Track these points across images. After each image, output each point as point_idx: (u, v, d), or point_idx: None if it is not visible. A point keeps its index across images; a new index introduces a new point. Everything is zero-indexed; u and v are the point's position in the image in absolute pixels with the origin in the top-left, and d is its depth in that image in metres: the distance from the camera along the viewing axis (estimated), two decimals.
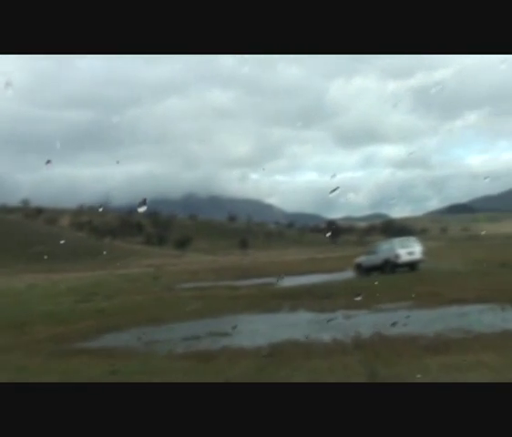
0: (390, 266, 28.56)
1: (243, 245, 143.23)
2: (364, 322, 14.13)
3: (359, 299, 17.61)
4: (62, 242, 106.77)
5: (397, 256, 28.88)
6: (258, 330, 14.28)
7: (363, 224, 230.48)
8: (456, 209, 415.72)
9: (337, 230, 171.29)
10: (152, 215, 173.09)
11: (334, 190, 5.07)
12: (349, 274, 32.72)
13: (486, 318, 13.12)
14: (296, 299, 20.56)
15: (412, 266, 29.02)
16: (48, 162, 4.66)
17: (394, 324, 11.87)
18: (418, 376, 7.38)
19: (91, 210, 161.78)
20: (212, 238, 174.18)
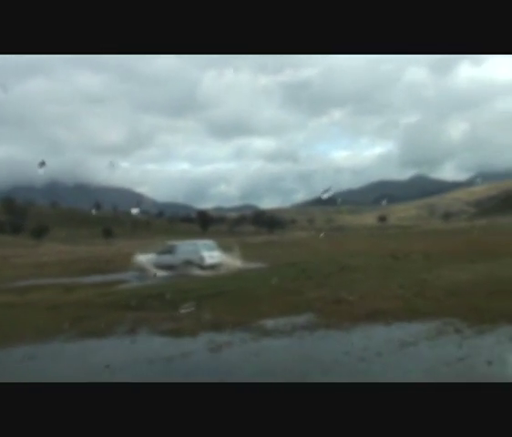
0: (192, 268, 27.16)
1: (107, 234, 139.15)
2: (245, 361, 8.33)
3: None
4: None
5: (202, 258, 27.84)
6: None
7: (233, 214, 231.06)
8: (322, 202, 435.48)
9: (207, 220, 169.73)
10: (6, 201, 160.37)
11: (327, 191, 6.00)
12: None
13: (449, 355, 7.81)
14: (142, 308, 14.23)
15: (204, 268, 27.66)
16: (42, 164, 4.60)
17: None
18: None
19: None
20: (75, 227, 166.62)
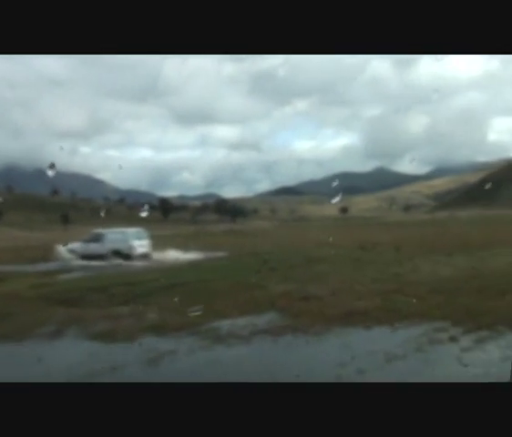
0: (122, 257, 25.72)
1: (65, 220, 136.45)
2: (190, 377, 6.49)
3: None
4: None
5: (131, 247, 26.32)
6: None
7: (196, 203, 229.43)
8: (285, 192, 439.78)
9: (169, 208, 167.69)
10: None
11: (336, 197, 6.88)
12: (172, 255, 26.08)
13: (450, 375, 6.08)
14: (78, 303, 12.18)
15: (134, 258, 26.33)
16: (52, 167, 4.54)
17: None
18: None
19: None
20: (32, 213, 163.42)
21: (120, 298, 12.74)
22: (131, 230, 28.34)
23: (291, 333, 8.36)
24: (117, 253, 25.78)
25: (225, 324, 9.16)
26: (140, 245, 26.53)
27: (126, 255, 25.58)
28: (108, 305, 11.98)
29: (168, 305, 11.03)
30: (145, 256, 26.03)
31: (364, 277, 13.66)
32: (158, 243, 29.75)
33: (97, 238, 27.18)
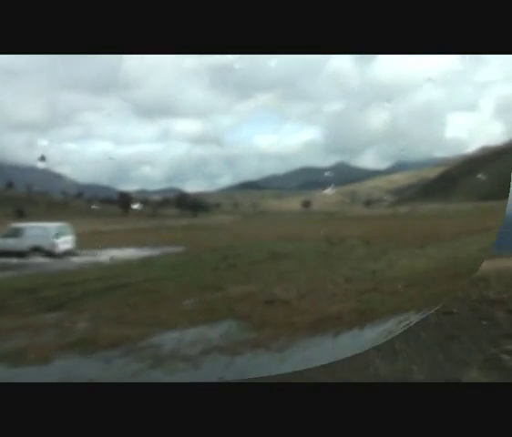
0: (43, 255, 23.01)
1: (20, 215, 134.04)
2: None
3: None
4: None
5: (54, 244, 23.70)
6: None
7: (157, 197, 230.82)
8: (247, 186, 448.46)
9: (128, 202, 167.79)
10: None
11: (329, 188, 5.61)
12: (129, 253, 24.13)
13: None
14: None
15: (56, 256, 24.20)
16: (43, 159, 4.53)
17: None
18: None
19: None
20: None
21: (51, 302, 10.78)
22: (53, 225, 26.67)
23: (251, 350, 6.67)
24: (38, 250, 24.03)
25: (169, 338, 7.38)
26: (63, 241, 24.86)
27: (47, 252, 23.82)
28: (34, 312, 10.05)
29: (103, 312, 9.19)
30: (68, 253, 24.29)
31: (336, 275, 12.13)
32: (112, 238, 27.96)
33: (15, 234, 25.35)
